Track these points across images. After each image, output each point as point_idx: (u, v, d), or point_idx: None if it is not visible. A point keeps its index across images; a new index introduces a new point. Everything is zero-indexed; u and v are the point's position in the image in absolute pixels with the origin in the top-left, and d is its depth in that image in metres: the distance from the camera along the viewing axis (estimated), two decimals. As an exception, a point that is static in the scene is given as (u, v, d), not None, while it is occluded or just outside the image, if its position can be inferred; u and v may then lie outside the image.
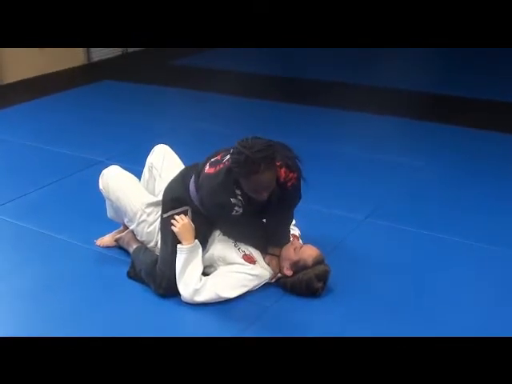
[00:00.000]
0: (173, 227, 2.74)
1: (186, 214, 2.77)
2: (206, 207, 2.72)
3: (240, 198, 2.60)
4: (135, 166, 3.36)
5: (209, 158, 2.77)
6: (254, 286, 2.79)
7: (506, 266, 3.03)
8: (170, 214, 2.79)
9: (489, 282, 2.90)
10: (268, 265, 2.81)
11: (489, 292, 2.83)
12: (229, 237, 2.84)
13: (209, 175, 2.67)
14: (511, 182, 3.95)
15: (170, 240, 2.76)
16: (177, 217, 2.75)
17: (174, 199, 2.82)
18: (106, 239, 3.19)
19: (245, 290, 2.76)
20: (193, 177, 2.79)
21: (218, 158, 2.71)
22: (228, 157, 2.62)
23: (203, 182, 2.69)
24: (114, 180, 3.04)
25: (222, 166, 2.64)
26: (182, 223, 2.73)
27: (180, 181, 2.86)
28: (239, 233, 2.81)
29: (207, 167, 2.71)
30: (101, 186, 3.07)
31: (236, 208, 2.60)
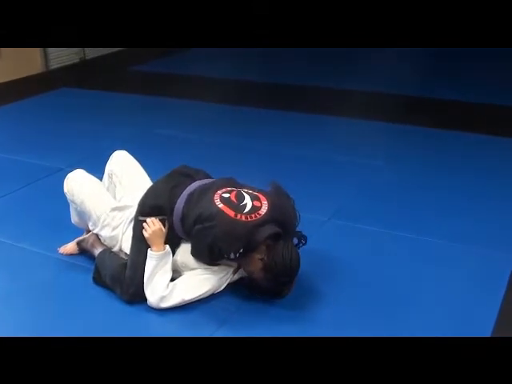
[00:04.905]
0: (144, 231, 2.71)
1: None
2: (201, 236, 2.61)
3: (238, 256, 2.57)
4: (96, 172, 3.31)
5: (215, 186, 2.71)
6: (220, 286, 2.78)
7: (466, 262, 3.09)
8: (145, 219, 2.73)
9: (449, 279, 2.95)
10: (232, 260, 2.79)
11: (449, 289, 2.88)
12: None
13: (227, 216, 2.57)
14: (470, 179, 4.04)
15: (144, 246, 2.72)
16: (149, 220, 2.71)
17: (154, 207, 2.76)
18: (69, 247, 3.15)
19: (210, 290, 2.74)
20: (185, 196, 2.72)
21: (233, 198, 2.64)
22: (249, 207, 2.60)
23: (216, 217, 2.57)
24: (79, 183, 3.01)
25: (243, 217, 2.56)
26: (153, 229, 2.69)
27: (168, 189, 2.78)
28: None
29: (219, 202, 2.62)
30: (65, 190, 3.03)
31: (223, 259, 2.60)
